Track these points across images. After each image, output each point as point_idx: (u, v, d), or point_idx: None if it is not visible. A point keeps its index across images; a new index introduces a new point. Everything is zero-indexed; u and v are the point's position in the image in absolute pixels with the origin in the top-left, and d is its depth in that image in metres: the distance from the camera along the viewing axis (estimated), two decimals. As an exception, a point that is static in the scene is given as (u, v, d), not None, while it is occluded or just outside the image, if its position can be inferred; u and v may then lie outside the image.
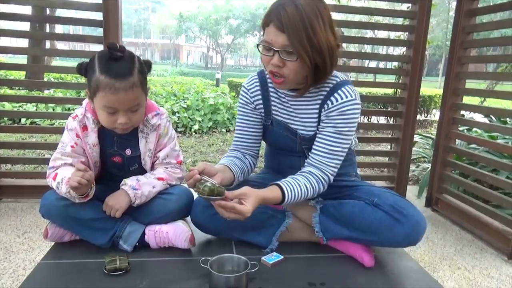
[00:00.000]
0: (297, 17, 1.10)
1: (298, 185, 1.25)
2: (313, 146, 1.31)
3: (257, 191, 1.17)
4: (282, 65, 1.17)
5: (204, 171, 1.19)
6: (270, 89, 1.39)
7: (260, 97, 1.41)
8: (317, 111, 1.32)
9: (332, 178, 1.31)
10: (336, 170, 1.31)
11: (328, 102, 1.28)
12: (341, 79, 1.30)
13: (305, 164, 1.33)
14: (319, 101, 1.30)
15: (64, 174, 1.22)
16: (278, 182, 1.24)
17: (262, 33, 1.22)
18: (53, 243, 1.35)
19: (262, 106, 1.42)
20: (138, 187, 1.30)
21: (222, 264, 1.11)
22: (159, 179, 1.36)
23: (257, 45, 1.21)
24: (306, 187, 1.26)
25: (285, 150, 1.45)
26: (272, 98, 1.39)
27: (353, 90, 1.28)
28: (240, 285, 1.05)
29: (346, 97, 1.25)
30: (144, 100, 1.28)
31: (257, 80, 1.42)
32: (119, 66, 1.18)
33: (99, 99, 1.19)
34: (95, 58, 1.21)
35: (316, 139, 1.31)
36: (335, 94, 1.26)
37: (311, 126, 1.35)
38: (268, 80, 1.38)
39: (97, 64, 1.18)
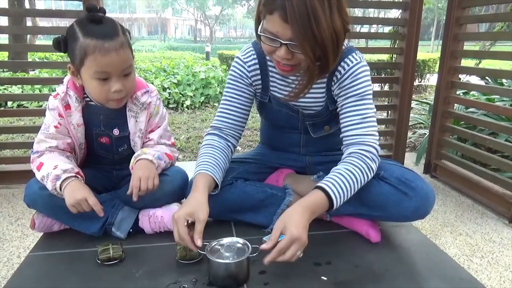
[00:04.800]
0: (302, 7, 0.97)
1: (339, 174, 1.08)
2: (342, 125, 1.20)
3: (289, 211, 1.01)
4: (291, 57, 1.06)
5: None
6: (269, 63, 1.27)
7: (258, 71, 1.28)
8: (324, 84, 1.23)
9: (378, 148, 1.15)
10: (376, 137, 1.16)
11: (336, 73, 1.18)
12: (345, 46, 1.18)
13: (342, 148, 1.20)
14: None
15: (49, 168, 1.14)
16: (317, 185, 1.08)
17: (256, 10, 1.08)
18: (41, 234, 1.28)
19: (260, 81, 1.30)
20: (162, 157, 1.25)
21: (221, 249, 1.04)
22: (167, 155, 1.30)
23: (259, 35, 1.08)
24: (349, 171, 1.09)
25: (285, 127, 1.37)
26: (271, 74, 1.28)
27: (358, 55, 1.19)
28: (241, 271, 1.00)
29: (352, 62, 1.17)
30: (134, 64, 1.20)
31: (254, 52, 1.28)
32: (104, 27, 1.11)
33: (88, 67, 1.10)
34: (73, 26, 1.12)
35: (341, 116, 1.20)
36: (341, 63, 1.17)
37: (317, 101, 1.26)
38: (264, 51, 1.23)
39: (78, 30, 1.10)
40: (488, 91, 2.82)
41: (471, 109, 2.82)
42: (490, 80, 3.10)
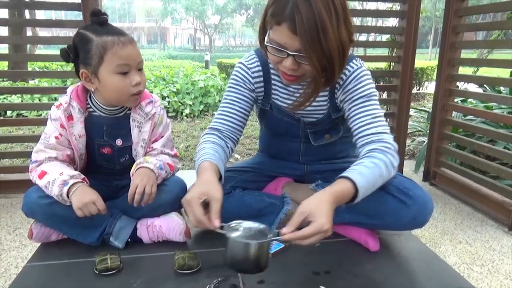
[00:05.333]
0: (311, 20, 0.96)
1: (363, 166, 1.04)
2: (354, 127, 1.17)
3: (316, 197, 0.96)
4: (297, 68, 1.07)
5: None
6: (272, 71, 1.28)
7: (261, 78, 1.29)
8: (326, 92, 1.23)
9: (394, 143, 1.11)
10: (390, 134, 1.13)
11: (339, 80, 1.19)
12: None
13: (358, 148, 1.16)
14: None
15: (55, 174, 1.14)
16: (345, 175, 1.03)
17: (262, 20, 1.08)
18: (39, 243, 1.27)
19: (262, 88, 1.30)
20: (163, 167, 1.25)
21: (240, 230, 0.95)
22: (168, 165, 1.29)
23: (265, 45, 1.09)
24: (373, 163, 1.05)
25: (285, 135, 1.37)
26: (274, 81, 1.29)
27: (359, 61, 1.20)
28: (263, 254, 0.90)
29: (353, 68, 1.18)
30: None
31: (257, 59, 1.28)
32: (112, 27, 1.18)
33: (109, 62, 1.13)
34: (81, 32, 1.16)
35: (351, 119, 1.18)
36: (343, 70, 1.17)
37: (319, 109, 1.26)
38: (269, 60, 1.23)
39: (89, 33, 1.14)
40: (486, 99, 2.83)
41: (469, 117, 2.83)
42: (488, 88, 3.11)
